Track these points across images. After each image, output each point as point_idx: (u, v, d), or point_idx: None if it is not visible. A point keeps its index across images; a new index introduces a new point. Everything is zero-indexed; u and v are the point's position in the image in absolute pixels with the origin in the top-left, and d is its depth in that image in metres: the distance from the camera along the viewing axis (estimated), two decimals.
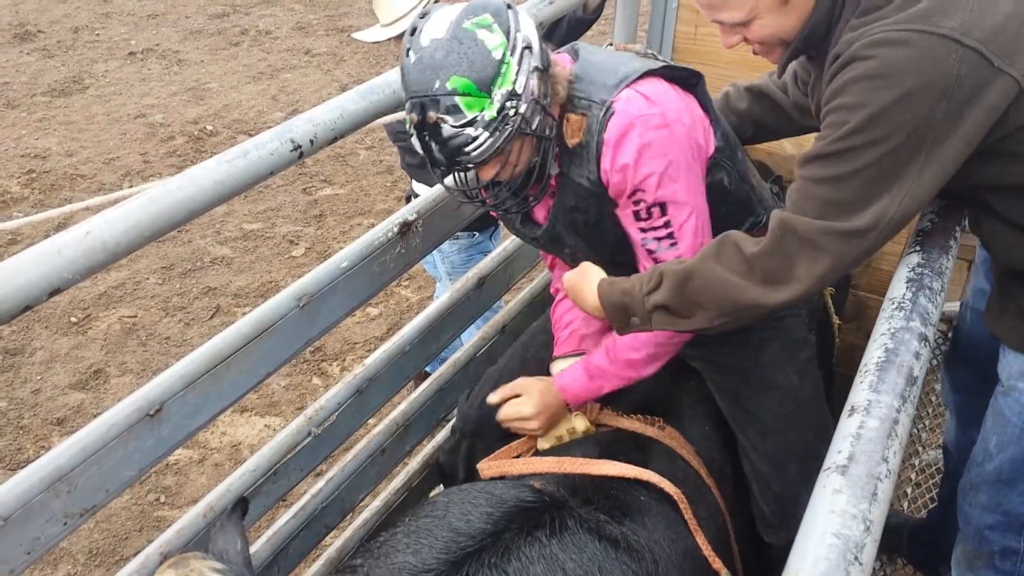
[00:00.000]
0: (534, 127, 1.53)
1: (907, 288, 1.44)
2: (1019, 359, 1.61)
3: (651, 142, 1.55)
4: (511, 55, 1.47)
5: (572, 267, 1.82)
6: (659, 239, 1.63)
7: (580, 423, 1.82)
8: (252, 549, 1.89)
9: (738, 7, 1.44)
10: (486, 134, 1.45)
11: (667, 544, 1.53)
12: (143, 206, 1.19)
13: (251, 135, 1.44)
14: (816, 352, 1.88)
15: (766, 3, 1.43)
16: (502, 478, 1.71)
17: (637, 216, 1.62)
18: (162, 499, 3.10)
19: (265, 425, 3.41)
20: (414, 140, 1.49)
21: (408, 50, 1.47)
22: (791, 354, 1.83)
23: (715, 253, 1.47)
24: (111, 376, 3.68)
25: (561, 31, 2.84)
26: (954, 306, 3.00)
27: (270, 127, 1.43)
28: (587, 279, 1.66)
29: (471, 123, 1.43)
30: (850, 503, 1.00)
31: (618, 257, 1.73)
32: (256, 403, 3.51)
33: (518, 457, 1.80)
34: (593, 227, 1.70)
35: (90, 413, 3.45)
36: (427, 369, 2.37)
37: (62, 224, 4.58)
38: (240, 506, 1.55)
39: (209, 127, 5.76)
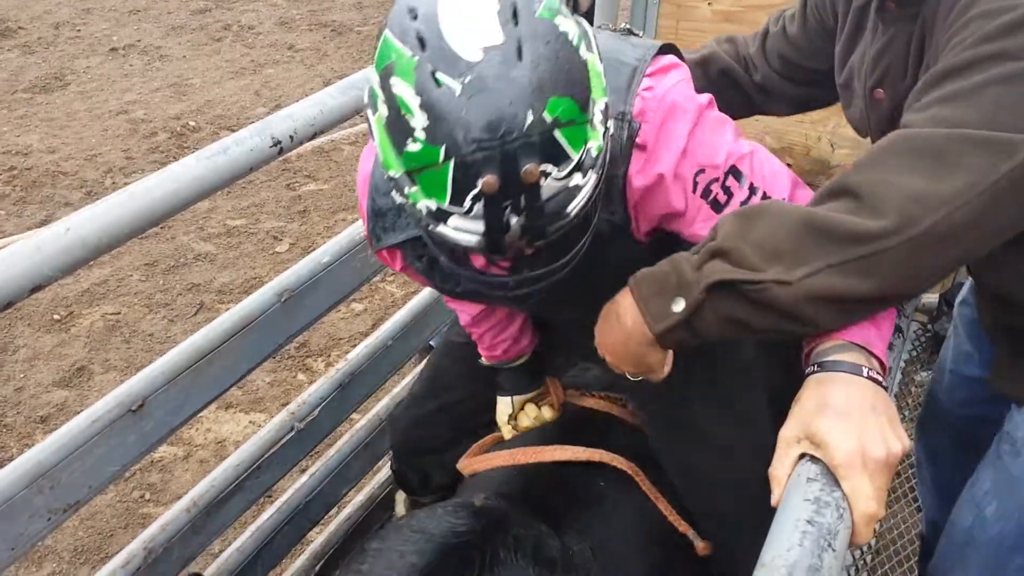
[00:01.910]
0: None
1: None
2: None
3: (698, 121, 1.21)
4: (588, 47, 1.01)
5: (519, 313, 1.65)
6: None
7: (547, 411, 1.80)
8: (236, 544, 1.90)
9: None
10: (592, 177, 0.99)
11: (626, 532, 1.53)
12: (123, 203, 1.20)
13: (234, 131, 1.45)
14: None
15: None
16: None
17: (717, 207, 1.21)
18: (147, 496, 3.09)
19: (250, 421, 3.41)
20: (463, 222, 0.97)
21: (433, 73, 0.92)
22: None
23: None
24: (95, 373, 3.67)
25: None
26: (932, 298, 3.04)
27: (253, 123, 1.42)
28: (618, 298, 1.20)
29: (577, 166, 0.96)
30: (824, 491, 1.01)
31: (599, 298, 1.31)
32: (241, 399, 3.50)
33: (488, 452, 1.81)
34: (581, 277, 1.23)
35: (73, 411, 3.44)
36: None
37: (44, 221, 4.56)
38: None
39: (192, 123, 5.74)
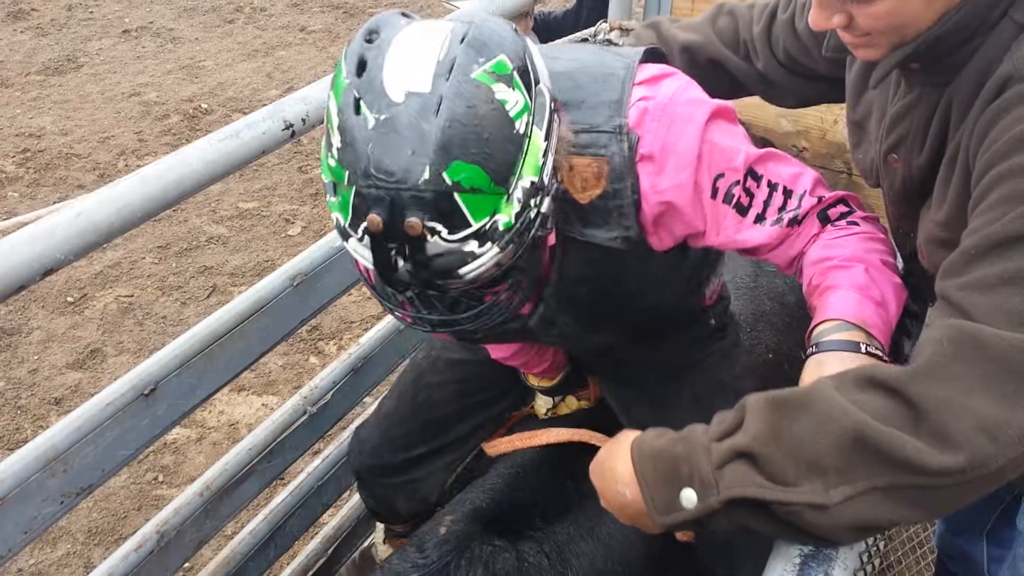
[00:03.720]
0: (549, 225, 1.05)
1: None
2: None
3: (708, 125, 1.16)
4: (536, 123, 0.98)
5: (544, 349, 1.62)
6: (780, 208, 1.20)
7: (584, 404, 1.82)
8: (249, 527, 1.91)
9: None
10: (495, 250, 0.96)
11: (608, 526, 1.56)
12: (135, 187, 1.19)
13: (246, 113, 1.42)
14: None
15: None
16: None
17: (741, 210, 1.19)
18: (160, 478, 3.11)
19: (262, 404, 3.42)
20: (359, 247, 0.97)
21: (357, 100, 0.94)
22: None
23: (837, 384, 0.94)
24: (108, 355, 3.68)
25: (583, 15, 2.73)
26: None
27: (265, 105, 1.41)
28: (620, 444, 1.10)
29: (476, 234, 0.94)
30: None
31: (620, 328, 1.36)
32: (253, 382, 3.51)
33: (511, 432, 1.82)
34: (602, 297, 1.26)
35: (87, 393, 3.45)
36: None
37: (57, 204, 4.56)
38: None
39: (204, 105, 5.73)
